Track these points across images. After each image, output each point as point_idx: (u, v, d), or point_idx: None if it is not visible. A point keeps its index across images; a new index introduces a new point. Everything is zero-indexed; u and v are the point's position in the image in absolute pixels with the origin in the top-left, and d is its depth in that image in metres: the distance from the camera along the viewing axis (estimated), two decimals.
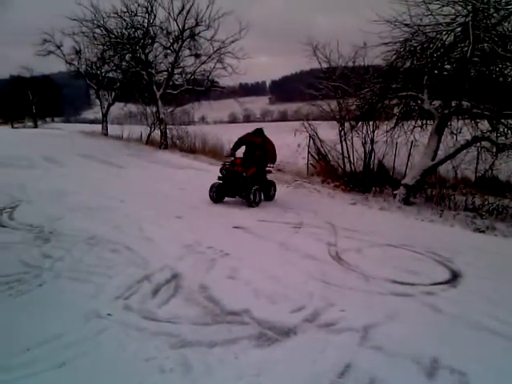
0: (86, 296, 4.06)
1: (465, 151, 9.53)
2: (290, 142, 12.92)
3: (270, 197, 9.15)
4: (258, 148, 8.78)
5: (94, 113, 58.18)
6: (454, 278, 4.85)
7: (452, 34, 8.60)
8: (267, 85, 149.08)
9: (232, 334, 3.43)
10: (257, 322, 3.62)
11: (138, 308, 3.83)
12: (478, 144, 9.48)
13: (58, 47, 27.21)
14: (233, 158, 8.83)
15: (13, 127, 45.88)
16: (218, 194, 8.64)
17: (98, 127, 31.48)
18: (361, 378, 2.89)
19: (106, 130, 29.23)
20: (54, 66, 48.31)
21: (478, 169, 11.09)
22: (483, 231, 7.29)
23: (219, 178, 8.63)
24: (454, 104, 9.40)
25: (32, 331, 3.43)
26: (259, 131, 9.10)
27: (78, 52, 27.28)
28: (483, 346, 3.39)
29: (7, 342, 3.27)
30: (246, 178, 8.36)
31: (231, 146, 9.47)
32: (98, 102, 31.10)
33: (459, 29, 8.35)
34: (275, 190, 9.36)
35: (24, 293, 4.14)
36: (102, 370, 2.95)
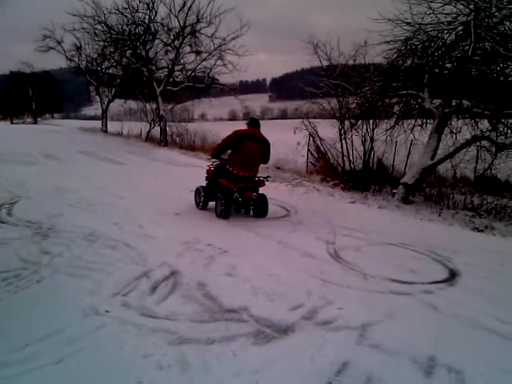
0: (84, 292, 4.05)
1: (464, 150, 9.55)
2: (289, 140, 12.93)
3: (263, 212, 7.45)
4: (265, 148, 7.31)
5: (94, 109, 58.19)
6: (452, 276, 4.86)
7: (453, 32, 8.61)
8: (267, 82, 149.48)
9: (230, 331, 3.43)
10: (255, 319, 3.62)
11: (137, 305, 3.83)
12: (478, 143, 9.50)
13: (59, 43, 27.31)
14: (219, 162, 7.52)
15: (12, 123, 45.92)
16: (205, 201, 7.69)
17: (98, 123, 31.50)
18: (358, 375, 2.89)
19: (106, 126, 29.27)
20: (55, 62, 48.34)
21: (478, 168, 11.12)
22: (482, 230, 7.31)
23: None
24: (454, 103, 9.40)
25: (30, 327, 3.42)
26: (257, 122, 7.55)
27: (78, 48, 27.34)
28: (480, 345, 3.39)
29: (5, 338, 3.27)
30: (262, 198, 7.37)
31: (220, 145, 7.49)
32: (98, 98, 31.11)
33: (461, 28, 8.35)
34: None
35: (22, 289, 4.13)
36: (101, 366, 2.95)
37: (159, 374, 2.88)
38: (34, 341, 3.20)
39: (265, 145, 7.29)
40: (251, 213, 7.54)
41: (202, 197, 7.76)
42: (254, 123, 7.43)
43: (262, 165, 7.51)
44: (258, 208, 7.42)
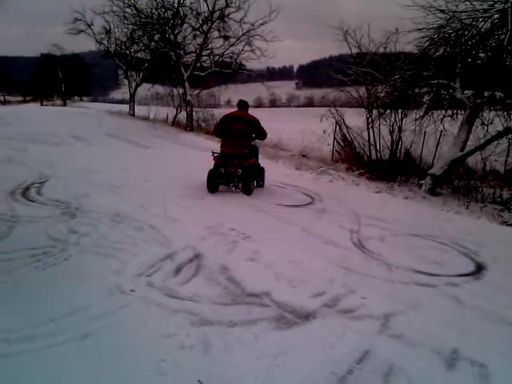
0: (110, 271, 4.15)
1: (495, 143, 9.29)
2: (315, 128, 12.83)
3: (244, 189, 7.91)
4: (250, 126, 7.98)
5: (122, 93, 58.70)
6: (479, 270, 4.77)
7: (489, 21, 8.30)
8: (295, 69, 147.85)
9: (252, 315, 3.46)
10: (277, 304, 3.64)
11: (160, 285, 3.90)
12: (510, 136, 9.23)
13: (89, 26, 27.43)
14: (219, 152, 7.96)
15: (42, 105, 46.69)
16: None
17: (126, 107, 31.79)
18: (379, 364, 2.88)
19: (133, 110, 29.47)
20: (85, 44, 48.75)
21: (508, 161, 10.82)
22: (511, 225, 7.13)
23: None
24: (486, 94, 9.14)
25: (57, 303, 3.52)
26: (245, 103, 8.35)
27: (108, 31, 27.43)
28: (505, 339, 3.33)
29: (33, 313, 3.37)
30: (245, 175, 7.78)
31: (214, 128, 8.78)
32: (126, 82, 31.29)
33: (497, 15, 8.06)
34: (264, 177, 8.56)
35: (50, 266, 4.25)
36: (124, 344, 3.02)
37: (181, 353, 2.93)
38: (60, 316, 3.30)
39: (251, 122, 8.03)
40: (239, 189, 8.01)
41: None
42: (241, 105, 8.30)
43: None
44: (242, 184, 7.92)
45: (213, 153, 7.94)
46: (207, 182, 7.86)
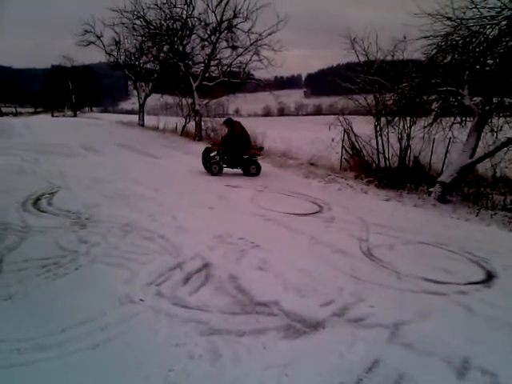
0: (120, 281, 4.17)
1: (505, 149, 9.23)
2: (323, 137, 12.82)
3: (249, 173, 11.42)
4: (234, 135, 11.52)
5: (132, 103, 59.16)
6: (489, 278, 4.74)
7: (496, 27, 8.30)
8: (303, 78, 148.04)
9: (260, 324, 3.46)
10: (285, 313, 3.64)
11: (170, 295, 3.92)
12: None
13: (99, 38, 27.76)
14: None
15: (53, 116, 47.18)
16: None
17: (135, 117, 32.03)
18: (389, 374, 2.87)
19: (143, 120, 29.69)
20: (94, 56, 49.38)
21: None
22: None
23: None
24: (495, 100, 9.10)
25: (68, 313, 3.55)
26: (231, 119, 12.05)
27: (117, 43, 27.76)
28: None
29: (44, 323, 3.40)
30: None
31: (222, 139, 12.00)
32: (135, 92, 31.57)
33: (505, 22, 8.05)
34: (258, 169, 11.56)
35: (61, 276, 4.29)
36: (134, 353, 3.04)
37: (190, 363, 2.94)
38: (71, 326, 3.33)
39: (241, 127, 11.58)
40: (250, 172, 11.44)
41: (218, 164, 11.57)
42: (229, 121, 11.86)
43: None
44: (253, 170, 11.54)
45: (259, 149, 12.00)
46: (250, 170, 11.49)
